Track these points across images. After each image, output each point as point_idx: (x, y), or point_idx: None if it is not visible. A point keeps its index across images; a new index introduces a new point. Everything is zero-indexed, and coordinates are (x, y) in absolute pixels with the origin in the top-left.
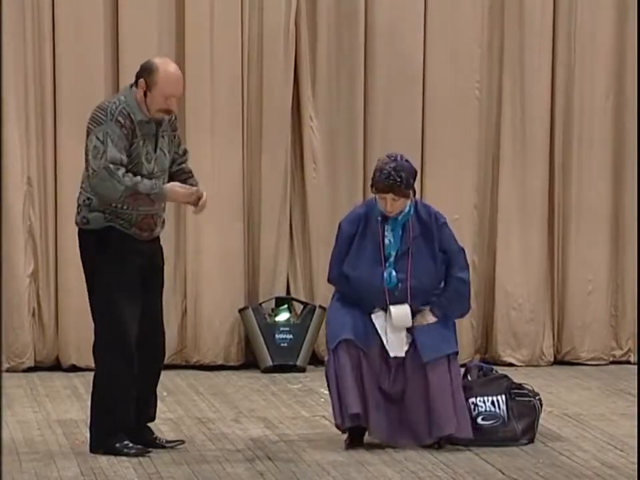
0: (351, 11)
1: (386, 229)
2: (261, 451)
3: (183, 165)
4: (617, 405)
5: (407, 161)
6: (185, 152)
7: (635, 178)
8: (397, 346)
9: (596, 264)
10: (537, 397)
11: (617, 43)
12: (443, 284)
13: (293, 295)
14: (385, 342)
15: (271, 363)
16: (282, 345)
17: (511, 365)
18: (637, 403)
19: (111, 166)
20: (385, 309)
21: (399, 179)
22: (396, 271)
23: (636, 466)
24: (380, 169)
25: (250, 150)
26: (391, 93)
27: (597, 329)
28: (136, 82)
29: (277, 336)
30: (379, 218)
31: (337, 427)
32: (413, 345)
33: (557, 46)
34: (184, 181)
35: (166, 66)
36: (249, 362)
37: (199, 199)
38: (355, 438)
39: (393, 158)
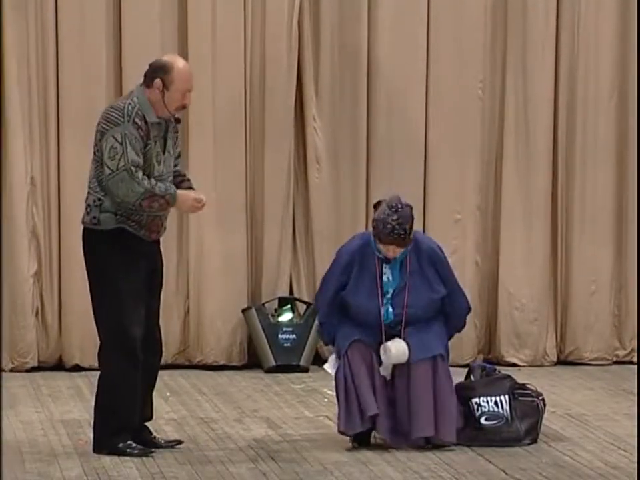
0: (353, 11)
1: (384, 266)
2: (263, 451)
3: (178, 168)
4: (620, 405)
5: (407, 205)
6: (179, 155)
7: (637, 177)
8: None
9: (599, 264)
10: (540, 397)
11: (621, 42)
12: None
13: (296, 295)
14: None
15: (274, 363)
16: (285, 345)
17: (514, 365)
18: (637, 403)
19: (132, 168)
20: (380, 343)
21: (402, 232)
22: (392, 307)
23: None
24: (383, 221)
25: (253, 150)
26: (394, 92)
27: (600, 329)
28: (148, 82)
29: (280, 336)
30: (378, 255)
31: (342, 433)
32: None
33: (560, 46)
34: (180, 184)
35: (178, 62)
36: (252, 362)
37: (202, 205)
38: (361, 443)
39: (394, 209)
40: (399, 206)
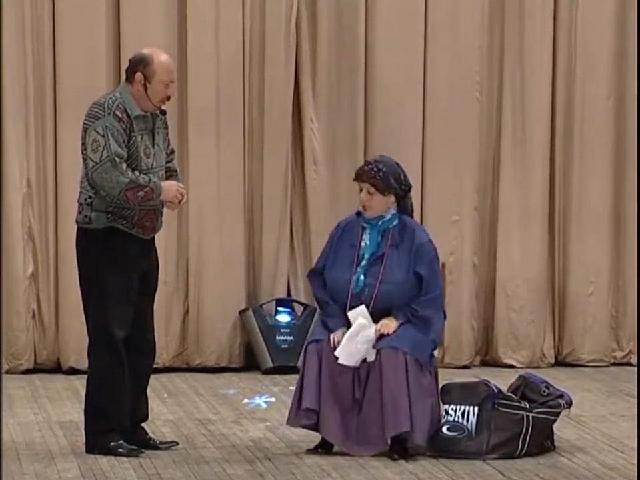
0: (351, 12)
1: (364, 232)
2: (261, 453)
3: (170, 164)
4: (617, 406)
5: (397, 164)
6: (173, 151)
7: (635, 179)
8: (346, 353)
9: (597, 265)
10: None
11: (619, 42)
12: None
13: (293, 296)
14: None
15: (271, 365)
16: (282, 346)
17: (511, 366)
18: (637, 404)
19: (116, 159)
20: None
21: (376, 169)
22: (365, 276)
23: (636, 467)
24: (365, 161)
25: (251, 151)
26: (391, 94)
27: (597, 331)
28: (129, 77)
29: (277, 337)
30: (363, 224)
31: (289, 424)
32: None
33: (558, 46)
34: (169, 178)
35: (159, 55)
36: (250, 363)
37: (183, 197)
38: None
39: (380, 155)
40: (387, 157)
